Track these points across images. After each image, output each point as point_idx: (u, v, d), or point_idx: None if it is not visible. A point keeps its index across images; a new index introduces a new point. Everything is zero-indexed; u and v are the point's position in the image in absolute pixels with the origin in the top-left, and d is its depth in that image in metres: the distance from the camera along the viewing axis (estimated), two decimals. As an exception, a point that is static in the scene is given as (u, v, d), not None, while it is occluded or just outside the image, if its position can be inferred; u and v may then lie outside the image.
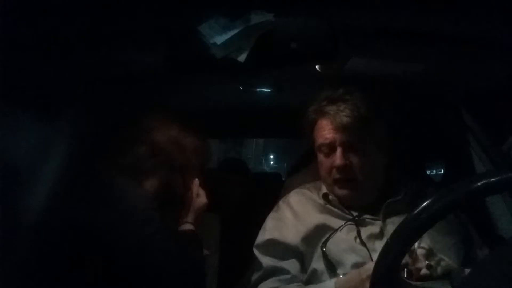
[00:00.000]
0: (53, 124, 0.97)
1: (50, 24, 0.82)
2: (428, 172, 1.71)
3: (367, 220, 1.07)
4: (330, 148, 1.07)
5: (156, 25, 0.89)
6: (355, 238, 1.03)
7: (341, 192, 1.08)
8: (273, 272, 1.06)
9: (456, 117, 1.29)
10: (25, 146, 0.88)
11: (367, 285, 0.80)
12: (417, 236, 0.66)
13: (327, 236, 1.04)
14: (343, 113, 1.05)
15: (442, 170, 1.55)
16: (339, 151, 1.05)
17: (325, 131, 1.07)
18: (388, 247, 0.69)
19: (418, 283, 0.82)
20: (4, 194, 0.79)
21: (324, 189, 1.14)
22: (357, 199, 1.09)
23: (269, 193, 1.37)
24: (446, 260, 0.87)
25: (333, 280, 0.98)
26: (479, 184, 0.62)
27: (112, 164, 1.04)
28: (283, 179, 2.80)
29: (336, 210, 1.10)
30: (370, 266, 0.87)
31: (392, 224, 1.01)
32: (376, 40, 0.94)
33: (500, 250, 0.69)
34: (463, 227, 1.07)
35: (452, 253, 0.98)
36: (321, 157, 1.10)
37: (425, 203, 0.64)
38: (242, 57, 0.83)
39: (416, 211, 0.65)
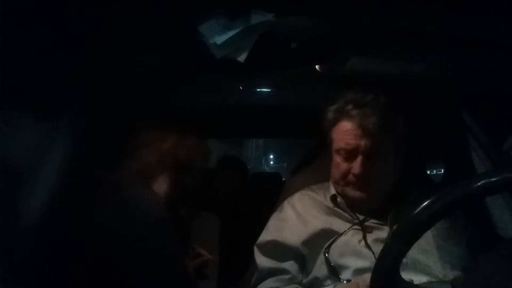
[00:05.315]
0: (53, 124, 0.97)
1: (50, 24, 0.82)
2: (428, 172, 1.70)
3: (373, 224, 1.05)
4: (351, 153, 1.04)
5: (156, 25, 0.89)
6: (359, 242, 1.02)
7: (354, 193, 1.06)
8: (272, 272, 1.05)
9: (456, 117, 1.29)
10: (25, 146, 0.88)
11: None
12: (417, 236, 0.66)
13: (331, 240, 1.03)
14: (369, 120, 1.02)
15: (442, 170, 1.55)
16: (360, 159, 1.02)
17: (348, 135, 1.04)
18: (388, 247, 0.68)
19: (418, 283, 0.82)
20: (4, 194, 0.79)
21: (333, 191, 1.12)
22: (368, 201, 1.07)
23: (269, 193, 1.38)
24: None
25: (331, 287, 0.97)
26: (479, 184, 0.62)
27: (116, 166, 1.03)
28: (283, 179, 2.81)
29: (343, 213, 1.08)
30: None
31: None
32: (376, 40, 0.94)
33: (500, 250, 0.69)
34: (467, 231, 1.07)
35: (460, 262, 0.98)
36: (337, 159, 1.07)
37: (425, 203, 0.64)
38: (242, 57, 0.82)
39: (416, 211, 0.64)
